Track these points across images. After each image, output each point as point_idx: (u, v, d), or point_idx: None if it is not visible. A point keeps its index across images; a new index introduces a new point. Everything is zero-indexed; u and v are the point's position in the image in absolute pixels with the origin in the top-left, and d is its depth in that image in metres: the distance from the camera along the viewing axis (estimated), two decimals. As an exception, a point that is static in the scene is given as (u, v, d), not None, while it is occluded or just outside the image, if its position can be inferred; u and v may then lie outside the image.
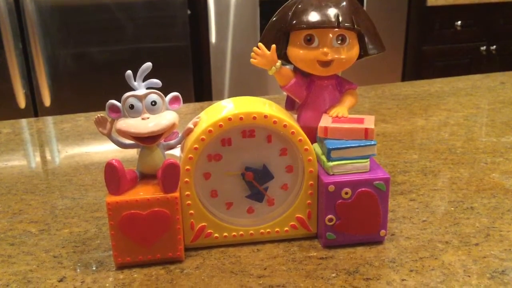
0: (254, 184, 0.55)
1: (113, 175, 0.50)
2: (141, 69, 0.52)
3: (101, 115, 0.52)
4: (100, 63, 1.79)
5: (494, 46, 2.29)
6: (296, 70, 0.59)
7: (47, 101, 1.75)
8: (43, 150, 0.88)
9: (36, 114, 1.77)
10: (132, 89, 0.53)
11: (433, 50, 2.23)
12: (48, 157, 0.86)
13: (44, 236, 0.59)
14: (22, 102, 1.74)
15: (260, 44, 0.57)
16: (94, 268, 0.53)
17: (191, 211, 0.54)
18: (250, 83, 1.97)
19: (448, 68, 2.24)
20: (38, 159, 0.85)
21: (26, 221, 0.63)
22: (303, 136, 0.54)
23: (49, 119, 1.05)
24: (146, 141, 0.51)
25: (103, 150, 0.86)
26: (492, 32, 2.29)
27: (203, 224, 0.55)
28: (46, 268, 0.53)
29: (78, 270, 0.53)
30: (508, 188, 0.67)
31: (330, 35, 0.55)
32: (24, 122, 1.03)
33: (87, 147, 0.87)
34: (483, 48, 2.28)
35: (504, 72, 1.28)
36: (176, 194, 0.51)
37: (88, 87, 1.80)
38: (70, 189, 0.71)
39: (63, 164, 0.81)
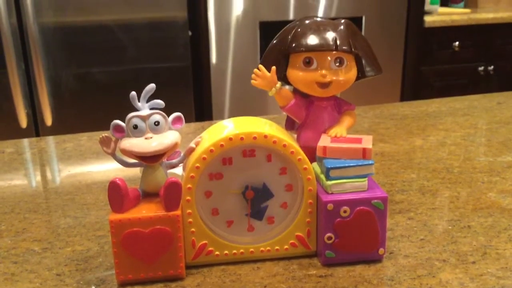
0: (254, 202, 0.56)
1: (116, 193, 0.51)
2: (145, 90, 0.53)
3: (106, 135, 0.54)
4: (102, 84, 1.81)
5: (492, 67, 2.31)
6: (295, 91, 0.61)
7: (48, 120, 1.77)
8: (45, 170, 0.89)
9: (37, 134, 1.78)
10: (135, 109, 0.54)
11: (431, 71, 2.25)
12: (51, 176, 0.87)
13: (47, 255, 0.60)
14: (23, 122, 1.76)
15: (260, 66, 0.58)
16: (96, 286, 0.53)
17: (193, 229, 0.55)
18: (250, 103, 1.99)
19: (446, 88, 2.26)
20: (40, 178, 0.86)
21: (29, 239, 0.64)
22: (302, 155, 0.55)
23: (52, 139, 1.06)
24: (149, 160, 0.52)
25: (105, 169, 0.87)
26: (490, 52, 2.31)
27: (204, 242, 0.55)
28: (49, 286, 0.54)
29: None
30: (504, 207, 0.68)
31: (328, 58, 0.57)
32: (26, 141, 1.04)
33: (89, 167, 0.88)
34: (481, 68, 2.30)
35: (501, 92, 1.29)
36: (178, 212, 0.52)
37: (90, 107, 1.82)
38: (72, 208, 0.72)
39: (66, 183, 0.82)
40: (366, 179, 0.55)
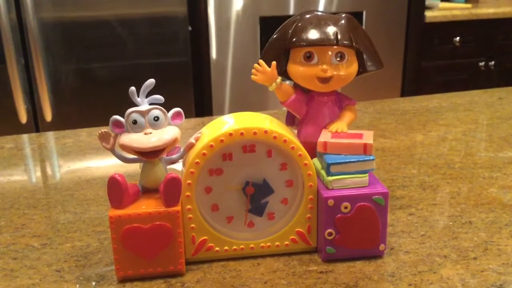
0: (254, 198, 0.55)
1: (116, 189, 0.51)
2: (144, 85, 0.53)
3: (105, 130, 0.53)
4: (102, 79, 1.81)
5: (493, 62, 2.31)
6: (296, 86, 0.60)
7: (48, 116, 1.76)
8: (45, 165, 0.89)
9: (37, 129, 1.78)
10: (134, 104, 0.54)
11: (432, 66, 2.24)
12: (50, 172, 0.87)
13: (46, 250, 0.60)
14: (23, 117, 1.75)
15: (260, 61, 0.58)
16: (95, 282, 0.53)
17: (192, 225, 0.55)
18: (251, 98, 1.98)
19: (447, 84, 2.25)
20: (40, 174, 0.85)
21: (29, 235, 0.63)
22: (303, 151, 0.54)
23: (51, 134, 1.06)
24: (149, 155, 0.52)
25: (105, 165, 0.87)
26: (491, 48, 2.31)
27: (204, 237, 0.55)
28: (48, 282, 0.53)
29: (80, 284, 0.53)
30: (505, 202, 0.68)
31: (329, 53, 0.57)
32: (26, 137, 1.04)
33: (89, 162, 0.88)
34: (482, 63, 2.30)
35: (502, 87, 1.29)
36: (178, 208, 0.52)
37: (89, 102, 1.81)
38: (72, 203, 0.72)
39: (65, 179, 0.82)
40: (367, 174, 0.55)
